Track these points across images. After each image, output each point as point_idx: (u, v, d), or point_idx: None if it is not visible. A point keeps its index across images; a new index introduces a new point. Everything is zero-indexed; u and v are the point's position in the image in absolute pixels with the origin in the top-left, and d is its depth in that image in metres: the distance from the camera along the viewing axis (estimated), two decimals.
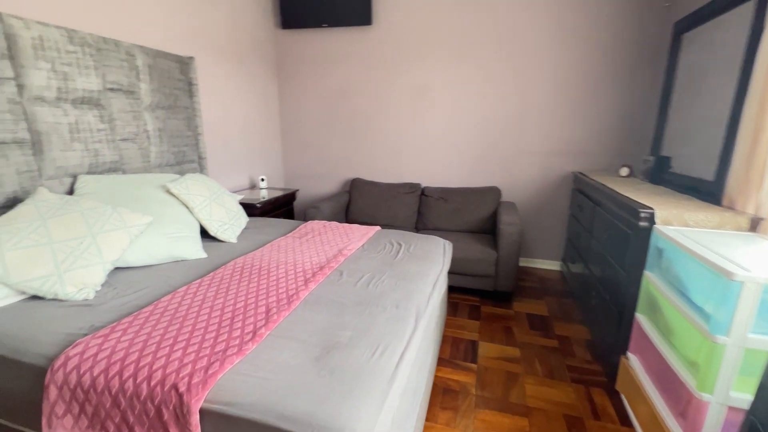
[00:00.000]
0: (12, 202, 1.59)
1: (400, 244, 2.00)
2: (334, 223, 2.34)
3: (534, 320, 2.42)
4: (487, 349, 2.09)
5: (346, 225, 2.32)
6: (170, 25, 2.40)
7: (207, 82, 2.72)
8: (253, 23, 3.21)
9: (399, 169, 3.49)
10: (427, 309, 1.37)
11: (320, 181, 3.78)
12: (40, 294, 1.31)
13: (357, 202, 3.32)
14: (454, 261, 2.56)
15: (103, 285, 1.47)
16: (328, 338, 1.11)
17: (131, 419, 0.91)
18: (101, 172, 1.97)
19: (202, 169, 2.65)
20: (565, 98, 2.95)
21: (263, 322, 1.17)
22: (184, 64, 2.45)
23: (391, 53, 3.26)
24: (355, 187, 3.42)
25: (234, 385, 0.91)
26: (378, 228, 2.30)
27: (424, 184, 3.43)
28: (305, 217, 2.91)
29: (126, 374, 0.94)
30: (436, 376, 1.85)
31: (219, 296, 1.34)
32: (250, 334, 1.10)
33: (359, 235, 2.12)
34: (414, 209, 3.24)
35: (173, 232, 1.75)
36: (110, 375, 0.94)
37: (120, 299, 1.37)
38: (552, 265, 3.30)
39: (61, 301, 1.33)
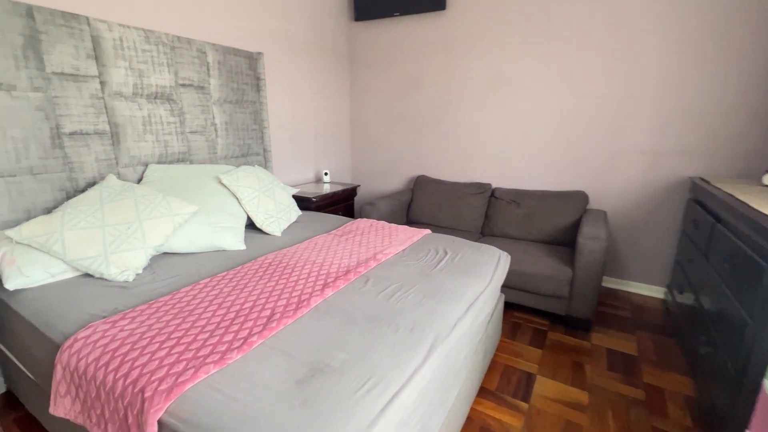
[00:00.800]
0: (91, 186, 1.79)
1: (446, 252, 1.77)
2: (382, 223, 2.20)
3: (615, 359, 1.96)
4: (545, 387, 1.74)
5: (394, 226, 2.15)
6: (241, 22, 2.50)
7: (275, 76, 2.79)
8: (326, 16, 3.21)
9: (468, 167, 3.19)
10: (450, 336, 1.14)
11: (385, 177, 3.66)
12: (89, 272, 1.42)
13: (419, 201, 3.12)
14: (520, 275, 2.21)
15: (145, 268, 1.56)
16: (320, 358, 0.97)
17: (107, 414, 0.89)
18: (170, 162, 2.13)
19: (266, 161, 2.74)
20: (682, 81, 2.32)
21: (260, 328, 1.08)
22: (253, 59, 2.53)
23: (465, 40, 2.96)
24: (418, 185, 3.23)
25: (199, 400, 0.83)
26: (428, 231, 2.09)
27: (494, 185, 3.07)
28: (360, 215, 2.83)
29: (111, 366, 0.93)
30: (473, 410, 1.59)
31: (233, 293, 1.30)
32: (241, 341, 1.02)
33: (404, 237, 1.94)
34: (481, 212, 2.93)
35: (217, 222, 1.80)
36: (99, 364, 0.94)
37: (152, 284, 1.43)
38: (652, 291, 2.67)
39: (105, 280, 1.43)
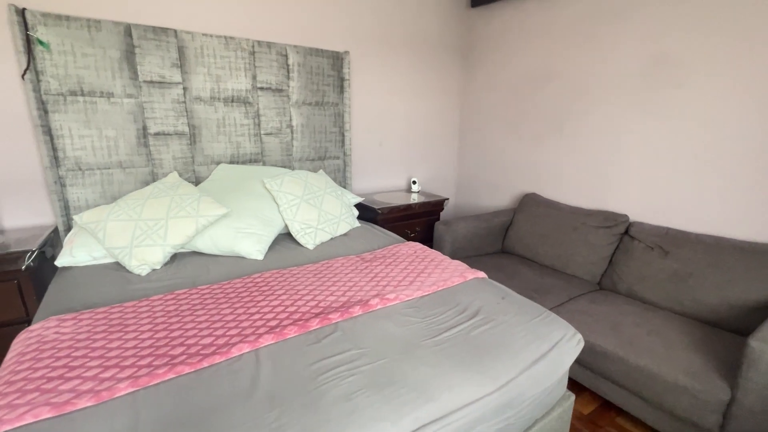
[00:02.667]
0: None
1: (476, 313, 1.24)
2: (430, 252, 1.76)
3: None
4: None
5: (442, 258, 1.68)
6: (326, 20, 2.41)
7: (363, 76, 2.63)
8: (434, 5, 2.84)
9: (596, 187, 2.31)
10: None
11: (490, 191, 3.06)
12: (118, 260, 1.56)
13: (520, 227, 2.45)
14: (633, 369, 1.41)
15: (166, 264, 1.62)
16: None
17: None
18: (242, 163, 2.23)
19: (345, 166, 2.62)
20: None
21: (146, 372, 0.91)
22: (337, 59, 2.43)
23: (617, 11, 2.12)
24: (524, 205, 2.54)
25: None
26: (481, 275, 1.54)
27: (633, 218, 2.12)
28: (432, 234, 2.40)
29: (23, 366, 0.92)
30: None
31: (186, 311, 1.19)
32: (114, 382, 0.87)
33: (440, 277, 1.48)
34: (604, 254, 2.07)
35: (244, 227, 1.75)
36: (22, 365, 0.94)
37: (156, 283, 1.46)
38: None
39: (127, 271, 1.55)
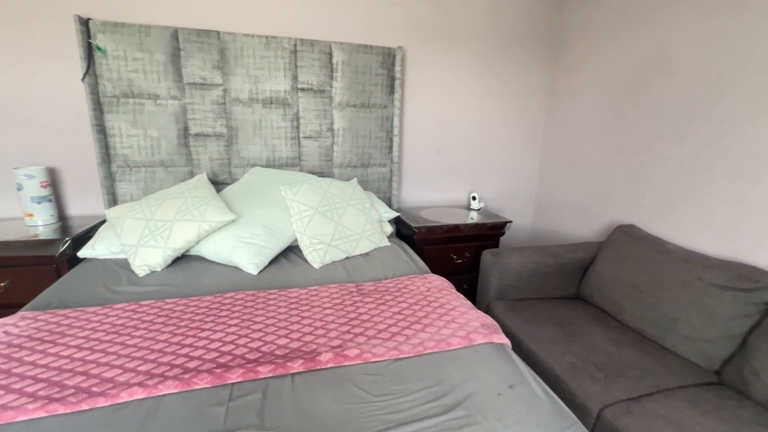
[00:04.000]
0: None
1: (456, 407, 0.84)
2: (449, 293, 1.37)
3: None
4: None
5: (456, 302, 1.28)
6: (376, 13, 2.17)
7: (418, 74, 2.31)
8: None
9: (729, 227, 1.56)
10: None
11: (576, 216, 2.41)
12: (127, 258, 1.58)
13: (604, 268, 1.83)
14: None
15: (169, 266, 1.59)
16: None
17: None
18: (278, 166, 2.15)
19: (392, 174, 2.35)
20: None
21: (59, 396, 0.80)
22: (388, 56, 2.17)
23: None
24: (615, 239, 1.89)
25: None
26: (498, 340, 1.11)
27: None
28: (472, 264, 1.96)
29: None
30: None
31: (130, 330, 1.08)
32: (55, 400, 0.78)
33: (437, 334, 1.10)
34: (733, 331, 1.37)
35: (247, 236, 1.63)
36: None
37: (143, 287, 1.42)
38: None
39: (131, 270, 1.55)
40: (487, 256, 1.88)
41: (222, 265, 1.62)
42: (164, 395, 0.85)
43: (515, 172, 2.70)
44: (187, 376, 0.89)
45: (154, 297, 1.33)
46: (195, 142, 2.00)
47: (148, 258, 1.53)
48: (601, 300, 1.79)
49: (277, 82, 2.04)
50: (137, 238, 1.56)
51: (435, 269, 2.10)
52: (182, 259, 1.66)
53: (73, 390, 0.84)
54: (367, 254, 1.80)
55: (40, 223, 1.80)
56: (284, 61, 2.02)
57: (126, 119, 1.88)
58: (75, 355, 0.96)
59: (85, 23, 1.74)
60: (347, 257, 1.75)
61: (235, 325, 1.11)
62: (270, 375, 0.92)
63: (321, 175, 2.23)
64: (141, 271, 1.52)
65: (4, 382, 0.85)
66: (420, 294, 1.36)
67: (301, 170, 2.20)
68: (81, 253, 1.62)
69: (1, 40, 1.72)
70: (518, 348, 1.54)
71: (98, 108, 1.83)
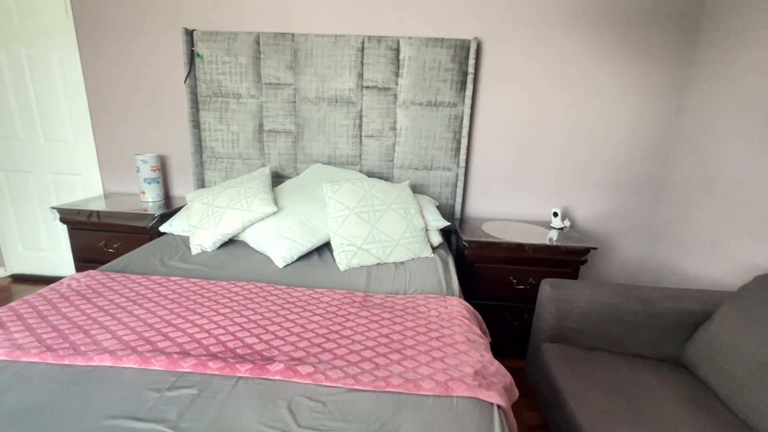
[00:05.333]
0: (275, 175, 2.19)
1: None
2: (463, 324, 1.14)
3: None
4: None
5: (462, 337, 1.05)
6: (452, 1, 1.97)
7: (497, 67, 2.03)
8: None
9: None
10: None
11: (704, 251, 1.78)
12: (189, 236, 1.80)
13: (725, 332, 1.28)
14: None
15: (219, 248, 1.74)
16: None
17: None
18: (339, 164, 2.17)
19: (458, 180, 2.13)
20: None
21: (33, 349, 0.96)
22: (460, 48, 1.96)
23: None
24: (750, 295, 1.30)
25: None
26: (487, 397, 0.86)
27: None
28: (537, 292, 1.61)
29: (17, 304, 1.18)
30: None
31: (143, 301, 1.21)
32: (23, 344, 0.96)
33: (413, 372, 0.92)
34: None
35: (283, 229, 1.67)
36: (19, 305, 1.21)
37: (187, 265, 1.58)
38: None
39: (188, 247, 1.76)
40: (545, 286, 1.52)
41: (259, 254, 1.70)
42: (126, 368, 0.91)
43: (626, 188, 2.15)
44: (149, 354, 0.93)
45: (187, 275, 1.47)
46: (267, 137, 2.17)
47: (202, 239, 1.71)
48: (709, 374, 1.26)
49: (342, 81, 2.05)
50: (198, 219, 1.76)
51: (487, 292, 1.84)
52: (231, 242, 1.80)
53: (68, 345, 0.97)
54: (401, 263, 1.66)
55: (150, 200, 2.20)
56: (350, 59, 2.02)
57: (214, 116, 2.15)
58: (93, 314, 1.11)
59: (190, 34, 2.04)
60: (378, 263, 1.65)
61: (223, 315, 1.14)
62: (218, 372, 0.90)
63: (380, 175, 2.16)
64: (195, 249, 1.70)
65: (30, 327, 1.03)
66: (426, 318, 1.17)
67: (360, 169, 2.17)
68: (162, 228, 1.91)
69: (128, 49, 2.15)
70: (555, 411, 1.20)
71: (195, 106, 2.14)
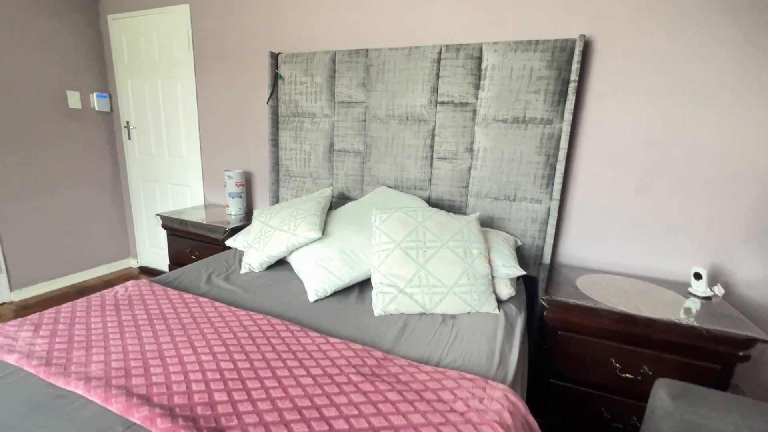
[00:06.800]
0: (340, 196, 2.10)
1: None
2: (483, 419, 0.78)
3: None
4: None
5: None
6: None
7: (614, 73, 1.54)
8: None
9: None
10: None
11: None
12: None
13: None
14: None
15: (267, 269, 1.69)
16: None
17: None
18: (406, 188, 1.95)
19: (549, 215, 1.69)
20: None
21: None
22: (561, 51, 1.55)
23: None
24: None
25: None
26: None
27: None
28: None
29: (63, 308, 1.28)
30: None
31: (161, 325, 1.18)
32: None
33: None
34: None
35: (324, 259, 1.50)
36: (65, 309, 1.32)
37: (227, 285, 1.55)
38: None
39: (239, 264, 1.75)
40: (661, 390, 0.99)
41: (299, 281, 1.58)
42: (91, 401, 0.85)
43: None
44: (114, 391, 0.85)
45: (220, 296, 1.43)
46: (337, 157, 2.08)
47: (252, 258, 1.68)
48: None
49: (414, 96, 1.83)
50: (253, 238, 1.75)
51: (573, 373, 1.38)
52: (280, 264, 1.74)
53: (64, 362, 0.96)
54: (451, 317, 1.33)
55: (233, 213, 2.34)
56: (423, 72, 1.79)
57: (290, 135, 2.17)
58: (109, 329, 1.12)
59: (275, 57, 2.12)
60: (422, 313, 1.35)
61: (213, 355, 1.01)
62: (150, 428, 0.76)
63: (451, 204, 1.86)
64: (244, 268, 1.68)
65: (53, 334, 1.08)
66: (443, 414, 0.83)
67: (429, 195, 1.90)
68: (228, 243, 1.97)
69: (228, 75, 2.34)
70: None
71: (275, 125, 2.20)
